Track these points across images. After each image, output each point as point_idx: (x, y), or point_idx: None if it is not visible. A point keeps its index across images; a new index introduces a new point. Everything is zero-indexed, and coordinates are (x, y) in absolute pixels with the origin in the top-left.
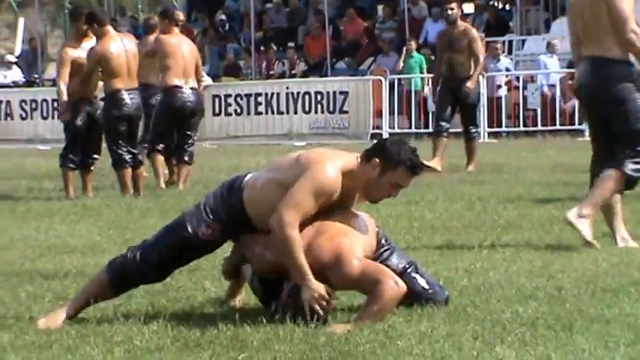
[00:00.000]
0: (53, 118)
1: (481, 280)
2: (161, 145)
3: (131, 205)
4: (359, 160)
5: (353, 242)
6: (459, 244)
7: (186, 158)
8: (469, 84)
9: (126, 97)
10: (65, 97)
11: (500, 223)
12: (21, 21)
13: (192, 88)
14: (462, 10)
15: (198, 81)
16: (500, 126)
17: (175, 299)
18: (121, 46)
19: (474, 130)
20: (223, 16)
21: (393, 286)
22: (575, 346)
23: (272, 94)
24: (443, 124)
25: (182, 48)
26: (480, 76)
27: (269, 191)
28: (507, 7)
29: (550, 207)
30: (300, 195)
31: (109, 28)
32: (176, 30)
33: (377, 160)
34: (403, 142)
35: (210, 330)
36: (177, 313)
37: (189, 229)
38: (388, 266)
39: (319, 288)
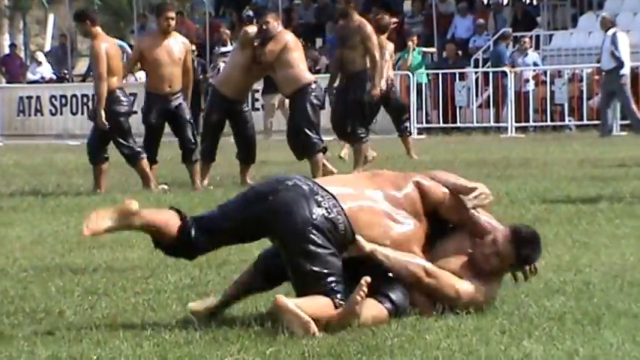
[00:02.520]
0: (82, 113)
1: (508, 274)
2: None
3: (160, 200)
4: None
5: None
6: None
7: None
8: (373, 91)
9: (122, 95)
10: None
11: (528, 218)
12: (51, 17)
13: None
14: (354, 5)
15: None
16: (528, 121)
17: (204, 294)
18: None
19: (362, 134)
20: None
21: None
22: (602, 341)
23: None
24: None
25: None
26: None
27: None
28: (534, 2)
29: (578, 201)
30: None
31: (99, 29)
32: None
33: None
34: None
35: (238, 324)
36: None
37: None
38: None
39: None
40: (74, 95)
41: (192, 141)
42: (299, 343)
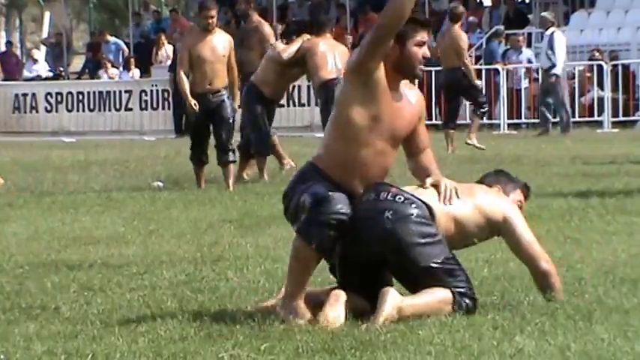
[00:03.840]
0: (78, 110)
1: (501, 270)
2: None
3: (155, 197)
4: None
5: None
6: None
7: None
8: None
9: None
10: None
11: None
12: (47, 15)
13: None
14: (253, 6)
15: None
16: (520, 118)
17: (199, 290)
18: None
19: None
20: None
21: None
22: (594, 336)
23: (293, 86)
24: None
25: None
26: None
27: None
28: (527, 0)
29: (569, 198)
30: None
31: None
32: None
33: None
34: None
35: (233, 320)
36: (201, 303)
37: None
38: None
39: None
40: (70, 92)
41: (228, 143)
42: (293, 338)
